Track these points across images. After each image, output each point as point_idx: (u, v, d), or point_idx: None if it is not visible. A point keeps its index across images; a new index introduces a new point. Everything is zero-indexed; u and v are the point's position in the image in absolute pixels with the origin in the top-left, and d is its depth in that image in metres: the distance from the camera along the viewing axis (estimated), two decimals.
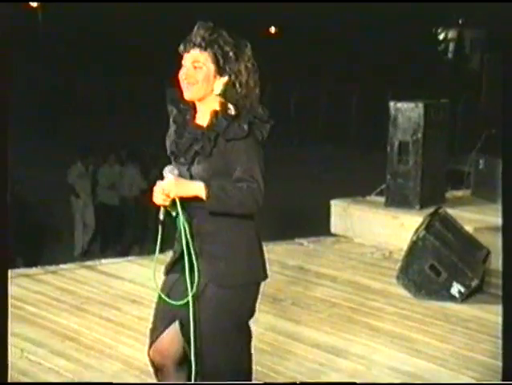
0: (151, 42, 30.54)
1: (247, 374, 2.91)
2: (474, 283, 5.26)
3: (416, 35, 27.94)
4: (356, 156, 17.67)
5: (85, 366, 4.07)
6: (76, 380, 3.88)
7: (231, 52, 2.72)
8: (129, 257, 6.78)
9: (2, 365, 2.71)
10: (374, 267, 6.12)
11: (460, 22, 33.78)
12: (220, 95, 2.74)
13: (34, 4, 34.31)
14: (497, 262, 5.81)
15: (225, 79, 2.73)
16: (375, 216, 6.88)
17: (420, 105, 6.76)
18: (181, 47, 2.76)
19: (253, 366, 3.77)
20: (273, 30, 31.46)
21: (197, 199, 2.68)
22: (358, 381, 3.93)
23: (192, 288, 2.74)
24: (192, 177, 2.73)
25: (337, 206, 7.05)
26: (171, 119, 2.87)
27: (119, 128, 20.95)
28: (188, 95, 2.76)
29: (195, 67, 2.73)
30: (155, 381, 3.86)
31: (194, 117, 2.82)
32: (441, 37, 32.01)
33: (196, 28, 2.75)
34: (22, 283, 5.43)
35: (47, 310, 4.93)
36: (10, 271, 5.54)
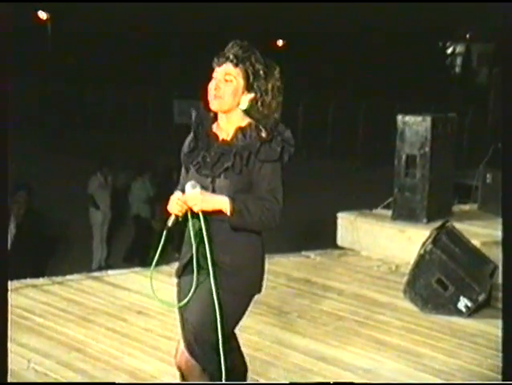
0: (158, 53, 30.71)
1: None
2: (481, 298, 5.24)
3: (423, 49, 27.98)
4: (363, 169, 17.68)
5: (91, 377, 4.07)
6: None
7: (261, 71, 2.85)
8: (135, 268, 6.78)
9: (2, 365, 2.70)
10: (380, 280, 6.11)
11: (467, 36, 33.82)
12: (244, 110, 2.85)
13: (44, 16, 34.48)
14: None
15: (252, 95, 2.85)
16: (381, 230, 6.87)
17: (428, 119, 6.76)
18: (215, 60, 2.88)
19: (258, 379, 3.78)
20: (280, 43, 31.59)
21: (218, 212, 2.79)
22: None
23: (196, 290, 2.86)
24: (214, 190, 2.84)
25: (344, 219, 7.05)
26: (192, 130, 2.97)
27: (131, 141, 21.03)
28: (214, 106, 2.87)
29: (226, 80, 2.85)
30: None
31: (215, 128, 2.91)
32: (449, 51, 32.06)
33: (230, 44, 2.88)
34: (30, 294, 5.44)
35: (54, 320, 4.93)
36: (17, 282, 5.58)
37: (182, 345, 2.97)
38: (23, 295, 5.37)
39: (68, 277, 6.04)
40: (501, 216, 7.23)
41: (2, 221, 2.74)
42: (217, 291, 2.82)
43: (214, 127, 2.93)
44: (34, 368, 4.14)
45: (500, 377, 4.22)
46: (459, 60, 32.81)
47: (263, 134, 2.82)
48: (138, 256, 10.83)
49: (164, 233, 2.85)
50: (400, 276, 5.98)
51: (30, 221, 8.89)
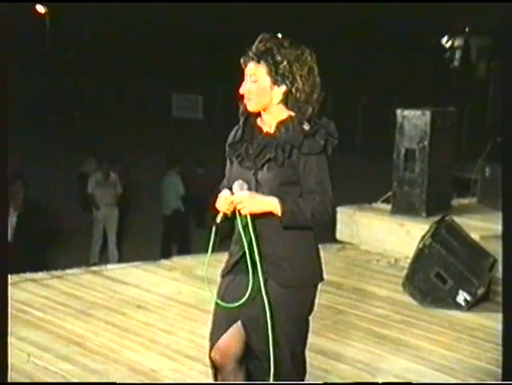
0: (157, 48, 30.65)
1: (303, 366, 2.99)
2: (480, 291, 5.24)
3: (422, 43, 27.95)
4: (363, 163, 17.67)
5: (90, 370, 4.07)
6: None
7: (285, 61, 2.81)
8: (134, 263, 6.78)
9: (2, 365, 2.70)
10: (380, 274, 6.11)
11: (466, 29, 33.77)
12: (281, 103, 2.84)
13: (42, 10, 34.38)
14: None
15: (284, 88, 2.83)
16: (381, 224, 6.87)
17: (427, 113, 6.75)
18: (242, 61, 2.88)
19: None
20: (280, 36, 31.49)
21: (268, 214, 2.79)
22: None
23: (257, 287, 2.82)
24: (257, 182, 2.84)
25: (343, 213, 7.04)
26: (240, 121, 2.95)
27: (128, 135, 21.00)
28: (249, 107, 2.89)
29: (252, 81, 2.85)
30: None
31: (259, 121, 2.92)
32: (448, 45, 32.02)
33: (257, 40, 2.86)
34: (29, 288, 5.44)
35: (53, 314, 4.94)
36: (16, 276, 5.57)
37: (221, 341, 2.91)
38: (22, 289, 5.37)
39: (67, 271, 6.04)
40: (500, 210, 7.24)
41: (2, 216, 2.73)
42: (265, 287, 2.80)
43: (259, 121, 2.93)
44: (34, 362, 4.14)
45: (499, 371, 4.23)
46: (458, 54, 32.77)
47: (306, 127, 2.82)
48: (175, 250, 10.80)
49: (213, 229, 2.84)
50: (399, 270, 5.99)
51: (28, 213, 8.88)
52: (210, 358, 2.95)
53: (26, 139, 17.20)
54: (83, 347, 4.40)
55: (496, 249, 5.95)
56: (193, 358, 4.28)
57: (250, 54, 2.84)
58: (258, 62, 2.82)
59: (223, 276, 2.99)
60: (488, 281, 5.42)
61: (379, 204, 7.34)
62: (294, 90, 2.82)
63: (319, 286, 3.04)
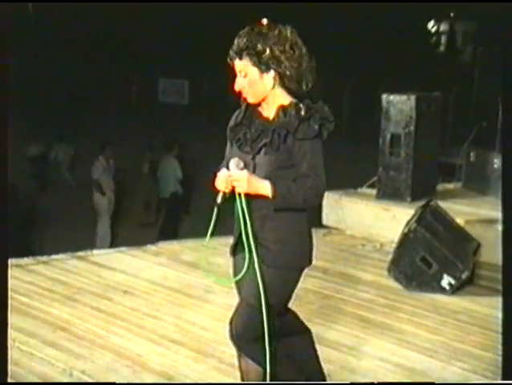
0: (144, 32, 30.42)
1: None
2: (464, 275, 5.28)
3: (408, 28, 27.92)
4: (348, 148, 17.68)
5: (76, 356, 4.07)
6: (67, 370, 3.88)
7: (266, 49, 2.84)
8: (121, 248, 6.76)
9: (2, 365, 2.68)
10: (365, 259, 6.13)
11: (451, 15, 33.77)
12: (277, 87, 2.88)
13: None
14: (487, 255, 5.84)
15: (272, 73, 2.88)
16: (366, 209, 6.89)
17: (412, 98, 6.75)
18: (228, 60, 2.93)
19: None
20: (265, 21, 31.35)
21: (261, 196, 2.84)
22: (347, 372, 3.94)
23: (248, 267, 2.91)
24: (255, 166, 2.89)
25: (329, 198, 7.05)
26: (242, 106, 3.00)
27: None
28: (250, 101, 2.94)
29: (243, 76, 2.91)
30: (147, 373, 3.88)
31: (259, 110, 2.96)
32: (433, 30, 32.01)
33: (236, 38, 2.91)
34: (14, 273, 5.40)
35: (39, 300, 4.92)
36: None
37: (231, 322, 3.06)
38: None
39: (53, 256, 6.02)
40: (486, 194, 7.30)
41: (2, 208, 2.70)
42: (259, 268, 2.88)
43: (259, 106, 2.97)
44: (19, 347, 4.13)
45: (483, 353, 4.27)
46: (443, 39, 32.78)
47: (301, 112, 2.86)
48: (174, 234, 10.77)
49: (215, 209, 2.89)
50: (385, 254, 6.01)
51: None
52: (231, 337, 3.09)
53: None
54: (69, 333, 4.38)
55: (480, 233, 5.99)
56: (178, 342, 4.28)
57: (232, 52, 2.90)
58: (241, 58, 2.88)
59: (231, 256, 3.10)
60: (472, 265, 5.45)
61: (365, 189, 7.36)
62: (282, 71, 2.87)
63: (306, 271, 3.06)
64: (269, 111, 2.95)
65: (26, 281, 5.26)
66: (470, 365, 4.11)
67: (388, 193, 6.91)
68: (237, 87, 2.92)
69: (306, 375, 3.12)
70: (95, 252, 6.31)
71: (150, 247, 6.50)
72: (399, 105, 6.78)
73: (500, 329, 4.64)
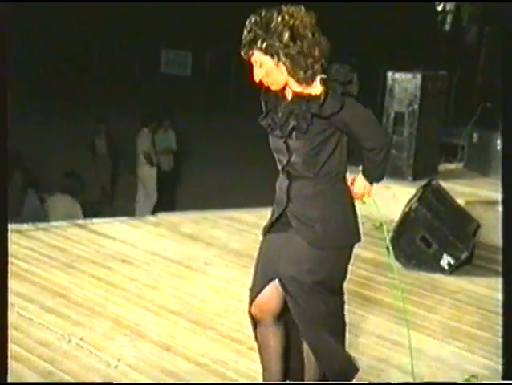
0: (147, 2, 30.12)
1: (341, 334, 3.08)
2: (464, 255, 5.28)
3: (414, 6, 27.68)
4: None
5: (75, 322, 4.08)
6: (66, 336, 3.88)
7: (273, 36, 2.79)
8: (120, 218, 6.76)
9: (2, 365, 2.66)
10: (365, 237, 6.00)
11: None
12: (292, 72, 2.84)
13: None
14: (486, 236, 5.84)
15: (287, 61, 2.83)
16: None
17: (418, 76, 6.69)
18: (242, 54, 2.90)
19: (244, 330, 3.78)
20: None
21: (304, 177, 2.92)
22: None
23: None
24: (289, 149, 2.89)
25: None
26: (263, 99, 3.00)
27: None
28: (272, 88, 2.92)
29: (259, 68, 2.88)
30: (145, 342, 3.89)
31: (284, 93, 2.94)
32: (439, 8, 31.74)
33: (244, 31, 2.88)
34: (14, 239, 5.39)
35: (38, 266, 4.92)
36: None
37: (260, 297, 3.01)
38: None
39: (53, 223, 6.02)
40: (487, 175, 7.28)
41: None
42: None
43: (284, 90, 2.94)
44: (19, 312, 4.14)
45: (479, 332, 4.29)
46: (449, 18, 32.51)
47: (318, 91, 2.83)
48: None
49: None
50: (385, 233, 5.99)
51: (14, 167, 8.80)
52: (250, 312, 3.05)
53: (13, 94, 16.91)
54: (68, 300, 4.39)
55: (480, 214, 5.98)
56: (177, 313, 4.29)
57: (243, 45, 2.88)
58: (252, 50, 2.85)
59: (264, 234, 3.06)
60: (471, 245, 5.45)
61: None
62: (293, 57, 2.81)
63: None
64: (290, 93, 2.93)
65: (25, 247, 5.26)
66: (467, 344, 4.13)
67: (390, 172, 6.83)
68: (256, 78, 2.90)
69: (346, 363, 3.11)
70: (95, 220, 6.31)
71: (149, 218, 6.50)
72: (404, 83, 6.73)
73: (497, 310, 4.66)
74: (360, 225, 3.03)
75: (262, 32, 2.80)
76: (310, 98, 2.84)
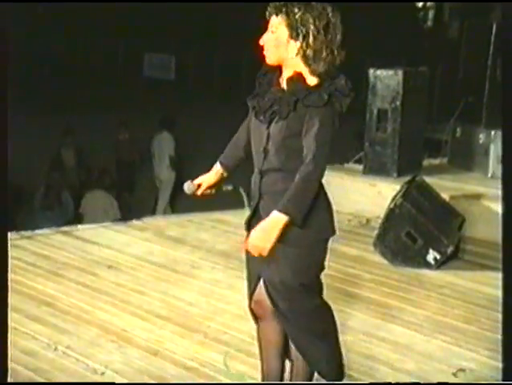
0: (131, 5, 30.04)
1: (325, 334, 3.07)
2: (449, 250, 5.30)
3: (395, 3, 27.78)
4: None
5: (61, 331, 4.05)
6: (52, 345, 3.87)
7: (301, 14, 2.80)
8: (105, 223, 6.74)
9: (2, 365, 2.63)
10: (351, 234, 6.15)
11: None
12: (298, 58, 2.83)
13: None
14: (472, 230, 5.87)
15: (299, 43, 2.82)
16: (352, 184, 6.89)
17: (400, 72, 6.72)
18: (266, 15, 2.88)
19: (232, 332, 3.78)
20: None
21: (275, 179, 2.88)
22: None
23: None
24: (269, 135, 2.87)
25: None
26: (256, 79, 2.99)
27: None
28: (267, 59, 2.90)
29: (271, 32, 2.86)
30: (133, 348, 3.87)
31: (278, 79, 2.93)
32: (421, 5, 31.88)
33: None
34: None
35: (23, 275, 4.89)
36: None
37: (257, 293, 3.01)
38: None
39: (37, 231, 5.98)
40: (471, 170, 7.30)
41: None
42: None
43: (278, 76, 2.93)
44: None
45: (465, 326, 4.31)
46: (431, 14, 32.64)
47: (312, 81, 2.83)
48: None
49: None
50: (371, 229, 6.02)
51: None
52: (250, 308, 3.06)
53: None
54: (54, 308, 4.37)
55: (465, 208, 6.01)
56: (164, 317, 4.28)
57: (272, 7, 2.86)
58: (277, 14, 2.84)
59: (247, 230, 3.03)
60: (457, 240, 5.48)
61: (352, 165, 7.36)
62: (305, 45, 2.82)
63: None
64: (283, 80, 2.92)
65: (10, 257, 5.20)
66: (453, 338, 4.14)
67: (375, 169, 6.91)
68: (261, 41, 2.87)
69: (328, 364, 3.08)
70: (80, 226, 6.29)
71: (135, 222, 6.48)
72: (386, 80, 6.75)
73: (483, 303, 4.69)
74: (336, 218, 2.98)
75: (298, 6, 2.81)
76: (301, 85, 2.83)
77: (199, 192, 3.09)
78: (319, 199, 2.91)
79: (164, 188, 10.70)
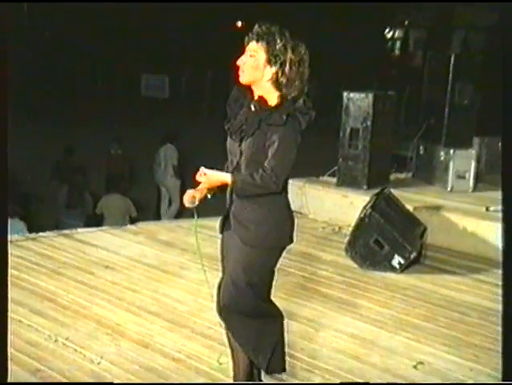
0: (129, 30, 30.05)
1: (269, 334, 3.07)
2: (412, 256, 5.33)
3: (367, 34, 28.05)
4: (311, 140, 17.70)
5: (61, 324, 4.02)
6: (53, 337, 3.83)
7: (280, 45, 2.86)
8: (102, 227, 6.70)
9: (2, 365, 2.57)
10: (325, 240, 6.16)
11: (406, 23, 33.87)
12: (270, 82, 2.88)
13: None
14: (432, 237, 5.91)
15: (274, 69, 2.87)
16: (327, 195, 6.91)
17: (370, 96, 6.77)
18: (245, 40, 2.92)
19: (216, 327, 3.76)
20: (239, 24, 31.19)
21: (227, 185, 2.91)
22: (307, 342, 3.95)
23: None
24: (241, 152, 2.91)
25: (294, 185, 7.03)
26: (227, 103, 3.03)
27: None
28: (242, 79, 2.93)
29: (250, 56, 2.89)
30: (126, 341, 3.85)
31: (250, 101, 2.95)
32: (389, 36, 32.18)
33: (256, 26, 2.91)
34: None
35: (28, 273, 4.85)
36: None
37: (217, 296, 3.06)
38: None
39: (41, 233, 5.94)
40: (432, 183, 7.33)
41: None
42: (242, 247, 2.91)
43: (249, 100, 2.96)
44: (10, 315, 4.06)
45: (423, 324, 4.32)
46: (398, 44, 32.93)
47: (273, 102, 2.87)
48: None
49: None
50: (343, 236, 6.04)
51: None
52: (217, 307, 3.10)
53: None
54: (55, 303, 4.33)
55: (427, 218, 6.05)
56: (155, 313, 4.26)
57: (253, 34, 2.89)
58: (258, 41, 2.88)
59: (220, 232, 3.11)
60: (419, 246, 5.50)
61: (326, 178, 7.38)
62: (281, 72, 2.86)
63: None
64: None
65: (16, 256, 5.18)
66: (414, 335, 4.15)
67: (347, 182, 6.93)
68: (240, 62, 2.90)
69: (269, 360, 3.07)
70: (80, 230, 6.25)
71: (130, 227, 6.45)
72: (358, 102, 6.80)
73: (441, 303, 4.72)
74: (296, 230, 3.02)
75: (277, 35, 2.85)
76: (265, 107, 2.88)
77: (197, 203, 3.05)
78: (283, 211, 2.97)
79: (173, 194, 10.65)
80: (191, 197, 2.96)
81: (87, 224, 8.50)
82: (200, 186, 2.96)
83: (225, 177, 2.90)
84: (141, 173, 11.65)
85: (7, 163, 2.65)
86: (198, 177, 2.93)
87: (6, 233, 2.65)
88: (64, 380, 3.38)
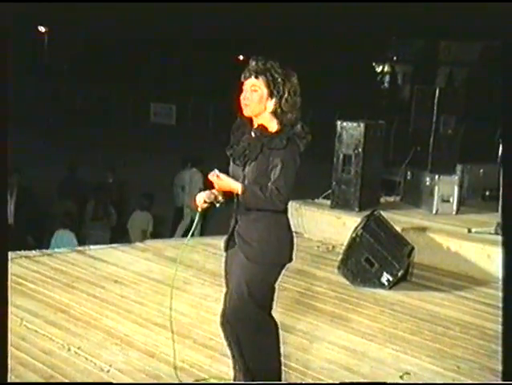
0: (138, 62, 30.29)
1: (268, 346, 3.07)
2: (400, 273, 5.33)
3: (359, 68, 28.32)
4: (308, 166, 17.74)
5: (74, 334, 4.02)
6: (66, 346, 3.83)
7: (280, 79, 2.92)
8: (113, 244, 6.70)
9: (2, 365, 2.55)
10: (319, 258, 6.16)
11: (394, 58, 34.17)
12: (271, 112, 2.94)
13: (43, 30, 34.45)
14: (419, 256, 5.91)
15: (274, 100, 2.93)
16: (321, 216, 6.92)
17: (362, 124, 6.82)
18: (242, 76, 2.97)
19: (217, 338, 3.76)
20: (241, 57, 31.47)
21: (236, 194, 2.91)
22: (301, 353, 3.95)
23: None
24: (245, 176, 2.94)
25: (291, 206, 6.95)
26: (231, 131, 3.07)
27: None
28: (246, 112, 2.98)
29: (252, 90, 2.93)
30: (133, 350, 3.84)
31: (251, 129, 3.00)
32: (379, 70, 32.46)
33: (252, 60, 2.96)
34: (23, 263, 5.35)
35: (43, 286, 4.85)
36: (13, 253, 5.46)
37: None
38: (18, 264, 5.27)
39: (56, 250, 5.94)
40: (419, 206, 7.33)
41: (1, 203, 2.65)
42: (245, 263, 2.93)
43: (249, 127, 3.01)
44: (26, 325, 4.07)
45: (410, 337, 4.32)
46: (387, 78, 33.18)
47: (274, 128, 2.93)
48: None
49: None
50: (336, 255, 6.04)
51: (23, 200, 8.73)
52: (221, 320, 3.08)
53: (24, 136, 16.79)
54: (68, 314, 4.33)
55: (414, 238, 6.06)
56: (160, 325, 4.25)
57: (252, 70, 2.93)
58: (257, 77, 2.92)
59: (225, 250, 3.12)
60: (406, 265, 5.50)
61: (321, 200, 7.39)
62: (281, 103, 2.92)
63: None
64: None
65: (33, 270, 5.19)
66: (402, 347, 4.15)
67: (340, 204, 6.95)
68: (242, 97, 2.94)
69: (265, 371, 3.07)
70: (92, 247, 6.25)
71: (138, 244, 6.46)
72: (350, 130, 6.84)
73: (427, 317, 4.71)
74: (295, 249, 3.04)
75: (274, 69, 2.90)
76: (266, 133, 2.93)
77: (206, 205, 3.03)
78: (284, 231, 3.00)
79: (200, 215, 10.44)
80: (209, 195, 2.95)
81: (113, 236, 8.66)
82: (211, 190, 2.97)
83: (236, 185, 2.90)
84: (159, 193, 11.45)
85: (7, 164, 2.66)
86: (211, 177, 2.93)
87: (6, 237, 2.64)
88: None
